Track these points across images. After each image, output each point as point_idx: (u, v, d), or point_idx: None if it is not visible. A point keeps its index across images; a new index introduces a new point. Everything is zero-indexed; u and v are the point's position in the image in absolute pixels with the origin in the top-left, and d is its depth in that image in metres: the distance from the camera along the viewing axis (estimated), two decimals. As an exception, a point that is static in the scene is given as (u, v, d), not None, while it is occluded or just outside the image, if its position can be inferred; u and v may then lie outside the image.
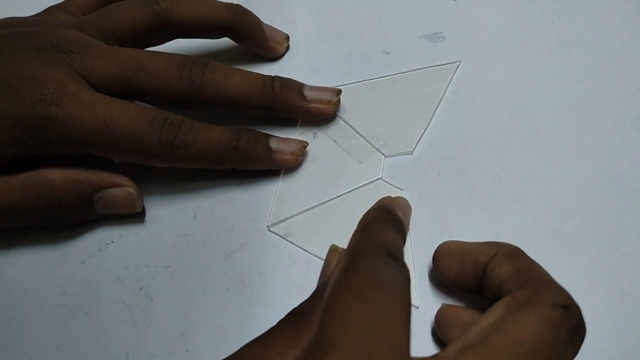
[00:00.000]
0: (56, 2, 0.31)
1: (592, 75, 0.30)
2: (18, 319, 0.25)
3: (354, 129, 0.29)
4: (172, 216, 0.27)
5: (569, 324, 0.17)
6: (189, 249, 0.26)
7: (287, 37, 0.32)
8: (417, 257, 0.25)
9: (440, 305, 0.23)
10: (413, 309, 0.16)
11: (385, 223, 0.20)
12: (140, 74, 0.26)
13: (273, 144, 0.27)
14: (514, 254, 0.21)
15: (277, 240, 0.26)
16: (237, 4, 0.30)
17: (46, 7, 0.30)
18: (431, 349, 0.23)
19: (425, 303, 0.24)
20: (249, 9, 0.30)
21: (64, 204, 0.25)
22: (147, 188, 0.27)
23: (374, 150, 0.29)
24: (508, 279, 0.20)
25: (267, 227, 0.26)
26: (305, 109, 0.28)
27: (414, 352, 0.16)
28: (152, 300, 0.25)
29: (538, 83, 0.30)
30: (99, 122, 0.24)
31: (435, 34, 0.33)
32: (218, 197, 0.27)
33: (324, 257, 0.25)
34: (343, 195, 0.27)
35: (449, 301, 0.24)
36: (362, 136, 0.29)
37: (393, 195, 0.26)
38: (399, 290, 0.16)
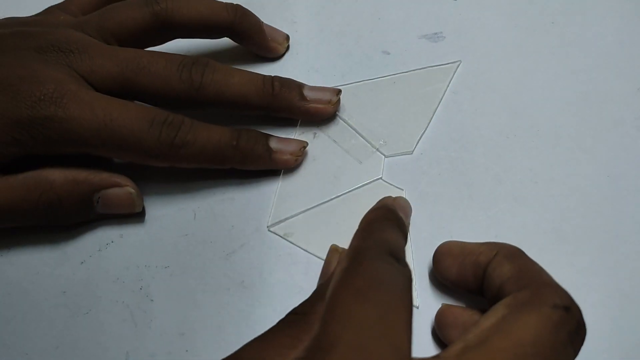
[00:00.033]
0: (56, 2, 0.31)
1: (592, 75, 0.30)
2: (18, 319, 0.25)
3: (354, 129, 0.29)
4: (172, 216, 0.27)
5: (570, 325, 0.17)
6: (189, 249, 0.26)
7: (287, 37, 0.32)
8: (417, 257, 0.25)
9: (440, 305, 0.23)
10: (413, 309, 0.16)
11: (386, 223, 0.20)
12: (140, 74, 0.26)
13: (273, 144, 0.27)
14: (514, 254, 0.21)
15: (277, 240, 0.26)
16: (237, 4, 0.30)
17: (46, 7, 0.30)
18: (431, 349, 0.23)
19: (425, 303, 0.24)
20: (249, 9, 0.30)
21: (64, 204, 0.25)
22: (147, 188, 0.27)
23: (374, 150, 0.29)
24: (508, 279, 0.20)
25: (267, 227, 0.26)
26: (305, 109, 0.28)
27: (414, 352, 0.15)
28: (152, 300, 0.25)
29: (538, 83, 0.30)
30: (99, 121, 0.24)
31: (435, 34, 0.33)
32: (218, 197, 0.27)
33: (324, 257, 0.25)
34: (343, 195, 0.27)
35: (449, 301, 0.24)
36: (362, 136, 0.29)
37: (393, 195, 0.26)
38: (400, 291, 0.16)
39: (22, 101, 0.24)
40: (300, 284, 0.25)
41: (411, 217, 0.26)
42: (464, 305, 0.23)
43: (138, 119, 0.24)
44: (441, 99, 0.30)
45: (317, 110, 0.28)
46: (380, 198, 0.25)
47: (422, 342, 0.23)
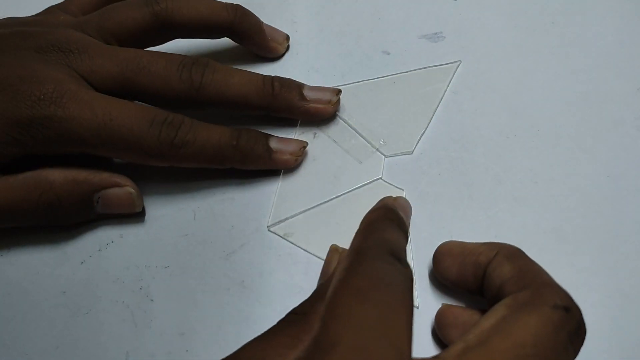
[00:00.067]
0: (56, 2, 0.31)
1: (592, 75, 0.30)
2: (18, 319, 0.25)
3: (354, 129, 0.29)
4: (172, 216, 0.27)
5: (570, 326, 0.17)
6: (189, 249, 0.26)
7: (287, 37, 0.32)
8: (417, 257, 0.25)
9: (440, 305, 0.23)
10: (414, 309, 0.16)
11: (387, 223, 0.20)
12: (140, 74, 0.26)
13: (273, 144, 0.27)
14: (514, 254, 0.21)
15: (277, 240, 0.26)
16: (237, 4, 0.30)
17: (46, 7, 0.30)
18: (431, 349, 0.23)
19: (425, 303, 0.24)
20: (249, 9, 0.30)
21: (64, 204, 0.25)
22: (147, 188, 0.27)
23: (374, 150, 0.28)
24: (509, 280, 0.20)
25: (267, 227, 0.26)
26: (305, 109, 0.28)
27: (414, 352, 0.15)
28: (152, 300, 0.25)
29: (538, 83, 0.30)
30: (98, 121, 0.24)
31: (435, 34, 0.33)
32: (218, 197, 0.27)
33: (324, 257, 0.25)
34: (343, 195, 0.27)
35: (449, 301, 0.24)
36: (362, 136, 0.29)
37: (393, 195, 0.26)
38: (401, 291, 0.16)
39: (22, 101, 0.24)
40: (300, 284, 0.25)
41: (411, 217, 0.26)
42: (464, 305, 0.23)
43: (138, 119, 0.24)
44: (441, 99, 0.30)
45: (317, 110, 0.28)
46: (381, 198, 0.25)
47: (422, 342, 0.23)
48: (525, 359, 0.16)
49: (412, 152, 0.28)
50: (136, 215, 0.27)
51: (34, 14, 0.30)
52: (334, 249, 0.24)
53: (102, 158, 0.28)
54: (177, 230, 0.27)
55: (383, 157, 0.28)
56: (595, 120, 0.29)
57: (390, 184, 0.27)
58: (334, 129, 0.29)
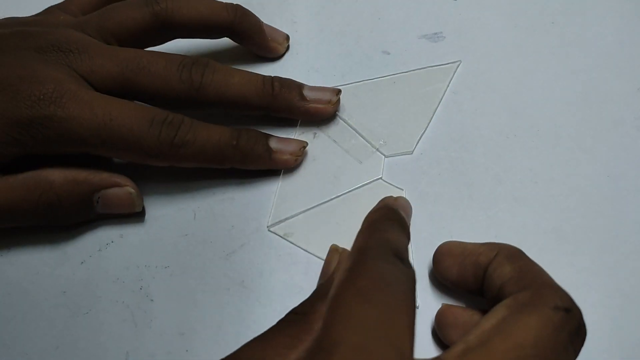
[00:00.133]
0: (56, 2, 0.31)
1: (592, 75, 0.30)
2: (18, 319, 0.25)
3: (354, 129, 0.29)
4: (172, 216, 0.27)
5: (571, 327, 0.17)
6: (189, 249, 0.26)
7: (287, 37, 0.32)
8: (417, 257, 0.25)
9: (440, 305, 0.23)
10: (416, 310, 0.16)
11: (389, 223, 0.20)
12: (140, 74, 0.26)
13: (273, 144, 0.27)
14: (514, 255, 0.21)
15: (277, 240, 0.26)
16: (237, 4, 0.30)
17: (46, 7, 0.30)
18: (431, 349, 0.23)
19: (425, 303, 0.24)
20: (249, 9, 0.30)
21: (64, 204, 0.25)
22: (146, 188, 0.27)
23: (374, 150, 0.28)
24: (509, 280, 0.20)
25: (267, 227, 0.26)
26: (305, 109, 0.28)
27: (415, 352, 0.15)
28: (152, 300, 0.25)
29: (538, 83, 0.30)
30: (98, 121, 0.24)
31: (435, 34, 0.33)
32: (218, 197, 0.27)
33: (324, 257, 0.25)
34: (343, 195, 0.27)
35: (449, 301, 0.24)
36: (362, 136, 0.29)
37: (394, 195, 0.26)
38: (403, 292, 0.16)
39: (22, 101, 0.24)
40: (300, 284, 0.25)
41: (411, 217, 0.26)
42: (464, 306, 0.23)
43: (138, 119, 0.24)
44: (441, 99, 0.30)
45: (317, 110, 0.28)
46: (381, 198, 0.25)
47: (422, 342, 0.23)
48: None
49: (412, 152, 0.28)
50: (136, 215, 0.27)
51: (34, 14, 0.30)
52: (334, 249, 0.24)
53: (102, 158, 0.28)
54: (177, 230, 0.27)
55: (383, 157, 0.28)
56: (595, 120, 0.29)
57: (390, 184, 0.27)
58: (334, 129, 0.29)
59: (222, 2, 0.29)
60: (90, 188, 0.25)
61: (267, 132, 0.28)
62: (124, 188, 0.26)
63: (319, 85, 0.29)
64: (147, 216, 0.27)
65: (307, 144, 0.28)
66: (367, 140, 0.29)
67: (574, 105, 0.29)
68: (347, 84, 0.31)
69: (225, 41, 0.31)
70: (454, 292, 0.24)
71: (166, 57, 0.26)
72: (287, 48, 0.33)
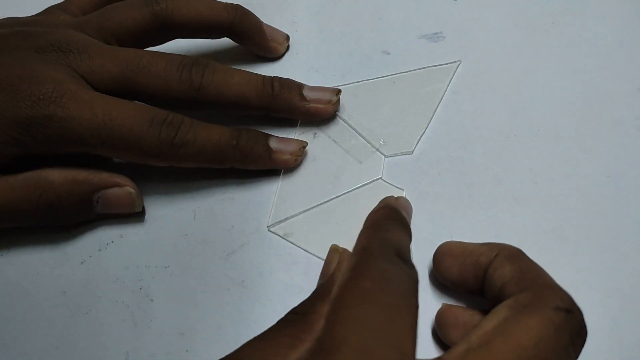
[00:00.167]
0: (56, 2, 0.31)
1: (592, 75, 0.30)
2: (18, 319, 0.25)
3: (354, 129, 0.29)
4: (172, 216, 0.27)
5: (571, 328, 0.17)
6: (189, 249, 0.26)
7: (287, 37, 0.32)
8: (417, 257, 0.25)
9: (440, 305, 0.23)
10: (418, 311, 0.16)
11: (391, 223, 0.20)
12: (140, 75, 0.26)
13: (273, 144, 0.27)
14: (515, 255, 0.21)
15: (277, 240, 0.26)
16: (237, 4, 0.30)
17: (46, 7, 0.30)
18: (432, 349, 0.23)
19: (426, 303, 0.24)
20: (249, 9, 0.30)
21: (64, 204, 0.25)
22: (146, 188, 0.27)
23: (374, 150, 0.28)
24: (509, 281, 0.20)
25: (267, 227, 0.26)
26: (305, 109, 0.28)
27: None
28: (152, 300, 0.25)
29: (538, 83, 0.30)
30: (98, 120, 0.24)
31: (435, 34, 0.33)
32: (218, 197, 0.27)
33: (324, 257, 0.25)
34: (343, 195, 0.27)
35: (449, 301, 0.24)
36: (362, 136, 0.29)
37: (394, 195, 0.26)
38: (406, 293, 0.16)
39: (22, 101, 0.24)
40: (300, 284, 0.25)
41: (411, 217, 0.26)
42: (464, 306, 0.23)
43: (138, 119, 0.24)
44: (441, 99, 0.30)
45: (317, 110, 0.28)
46: (381, 198, 0.25)
47: (423, 342, 0.23)
48: None
49: (412, 152, 0.28)
50: (136, 215, 0.27)
51: (34, 14, 0.30)
52: (334, 249, 0.24)
53: (102, 158, 0.28)
54: (177, 230, 0.27)
55: (383, 157, 0.28)
56: (595, 120, 0.29)
57: (390, 184, 0.27)
58: (334, 129, 0.29)
59: (222, 2, 0.29)
60: (90, 188, 0.25)
61: (267, 132, 0.28)
62: (124, 188, 0.26)
63: (319, 85, 0.29)
64: (147, 216, 0.27)
65: (307, 144, 0.28)
66: (367, 140, 0.29)
67: (574, 105, 0.29)
68: (347, 84, 0.31)
69: (225, 41, 0.31)
70: (454, 292, 0.24)
71: (166, 57, 0.26)
72: (287, 48, 0.33)
